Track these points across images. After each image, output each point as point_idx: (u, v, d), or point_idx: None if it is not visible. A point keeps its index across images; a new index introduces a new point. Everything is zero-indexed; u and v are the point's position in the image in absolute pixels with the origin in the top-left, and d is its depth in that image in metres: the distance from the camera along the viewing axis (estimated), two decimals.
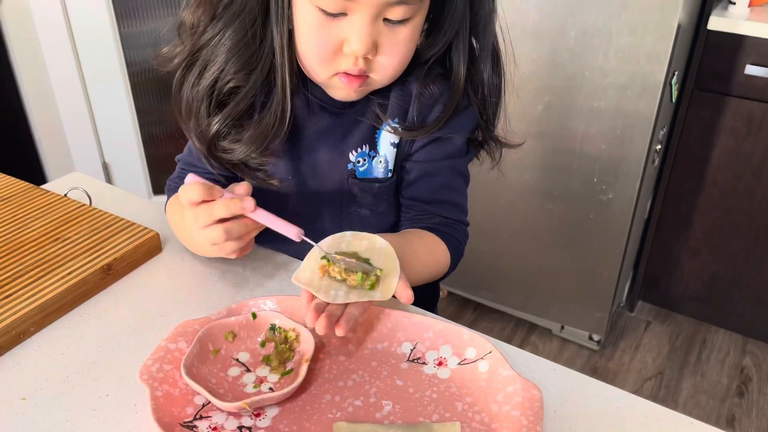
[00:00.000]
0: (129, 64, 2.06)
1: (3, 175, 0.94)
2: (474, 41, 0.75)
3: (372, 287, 0.63)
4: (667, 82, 1.54)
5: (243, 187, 0.68)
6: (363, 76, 0.70)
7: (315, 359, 0.66)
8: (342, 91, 0.73)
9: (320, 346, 0.67)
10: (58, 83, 2.03)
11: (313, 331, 0.67)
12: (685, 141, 1.80)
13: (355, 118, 0.79)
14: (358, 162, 0.80)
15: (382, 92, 0.77)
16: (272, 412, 0.60)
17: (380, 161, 0.81)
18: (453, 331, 0.67)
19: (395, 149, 0.81)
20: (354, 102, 0.77)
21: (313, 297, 0.62)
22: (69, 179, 0.99)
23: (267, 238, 0.86)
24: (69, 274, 0.73)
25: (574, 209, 1.75)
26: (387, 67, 0.70)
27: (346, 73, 0.69)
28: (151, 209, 0.92)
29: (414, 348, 0.67)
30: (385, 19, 0.66)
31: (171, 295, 0.76)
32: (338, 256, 0.64)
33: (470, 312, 2.09)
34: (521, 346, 1.95)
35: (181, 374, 0.60)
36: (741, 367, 1.90)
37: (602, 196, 1.69)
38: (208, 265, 0.81)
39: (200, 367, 0.62)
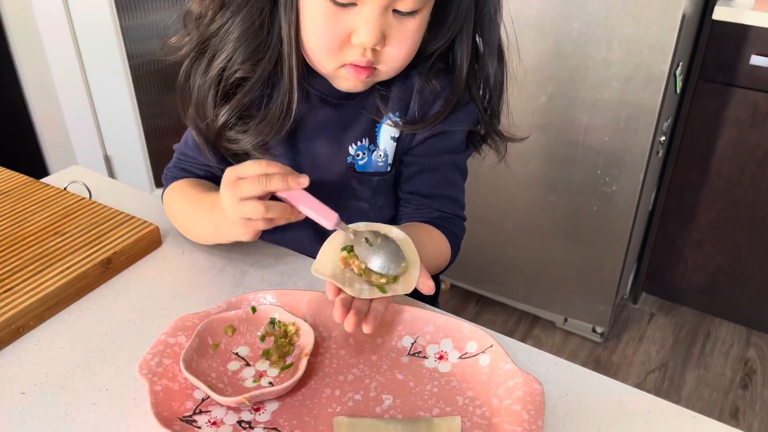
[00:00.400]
0: (130, 57, 2.05)
1: (2, 168, 0.94)
2: (478, 37, 0.75)
3: (395, 280, 0.62)
4: (672, 73, 1.52)
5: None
6: (370, 68, 0.69)
7: (315, 353, 0.65)
8: (348, 82, 0.72)
9: (320, 340, 0.67)
10: (59, 76, 2.03)
11: (313, 325, 0.67)
12: (689, 132, 1.78)
13: (355, 111, 0.78)
14: (358, 155, 0.80)
15: (384, 85, 0.77)
16: (272, 407, 0.60)
17: (380, 155, 0.80)
18: (454, 324, 0.66)
19: (395, 143, 0.80)
20: (354, 94, 0.77)
21: (339, 290, 0.61)
22: (69, 173, 0.98)
23: (266, 232, 0.86)
24: (69, 268, 0.73)
25: (578, 201, 1.74)
26: (394, 59, 0.69)
27: (353, 64, 0.69)
28: (151, 203, 0.91)
29: (414, 342, 0.67)
30: (394, 11, 0.66)
31: (171, 289, 0.75)
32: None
33: (473, 304, 2.09)
34: (524, 338, 1.94)
35: (181, 368, 0.59)
36: (745, 360, 1.89)
37: (606, 188, 1.68)
38: (208, 259, 0.81)
39: (200, 361, 0.62)
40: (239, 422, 0.58)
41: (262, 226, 0.68)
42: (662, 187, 1.88)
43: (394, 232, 0.65)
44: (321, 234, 0.85)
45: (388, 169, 0.81)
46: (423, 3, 0.66)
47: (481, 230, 1.88)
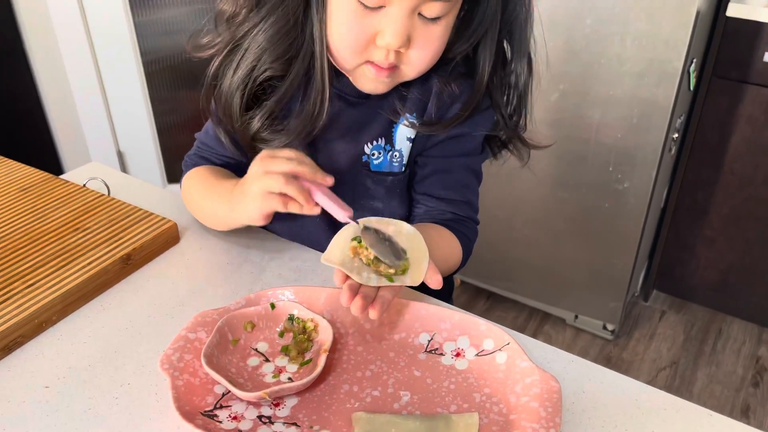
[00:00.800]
0: (143, 53, 2.06)
1: (22, 165, 0.95)
2: (506, 42, 0.75)
3: (403, 272, 0.63)
4: (685, 70, 1.52)
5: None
6: (392, 68, 0.70)
7: (333, 349, 0.66)
8: (370, 82, 0.72)
9: (338, 336, 0.68)
10: (73, 73, 2.04)
11: (331, 321, 0.67)
12: (702, 129, 1.78)
13: (373, 111, 0.79)
14: (373, 155, 0.80)
15: (403, 86, 0.77)
16: (291, 402, 0.61)
17: (395, 155, 0.81)
18: (470, 322, 0.67)
19: (411, 144, 0.81)
20: (372, 95, 0.77)
21: (347, 277, 0.62)
22: (87, 169, 0.99)
23: (282, 228, 0.87)
24: (90, 263, 0.74)
25: (589, 198, 1.73)
26: (418, 62, 0.70)
27: (376, 65, 0.69)
28: (169, 199, 0.92)
29: (431, 339, 0.67)
30: (420, 15, 0.66)
31: (189, 285, 0.76)
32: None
33: (483, 301, 2.09)
34: (534, 335, 1.95)
35: (202, 364, 0.60)
36: (756, 357, 1.89)
37: (618, 185, 1.68)
38: (226, 255, 0.81)
39: (220, 356, 0.63)
40: (259, 417, 0.59)
41: (277, 203, 0.67)
42: (674, 184, 1.88)
43: (404, 227, 0.66)
44: (337, 230, 0.86)
45: (403, 169, 0.82)
46: (449, 9, 0.67)
47: (492, 226, 1.88)
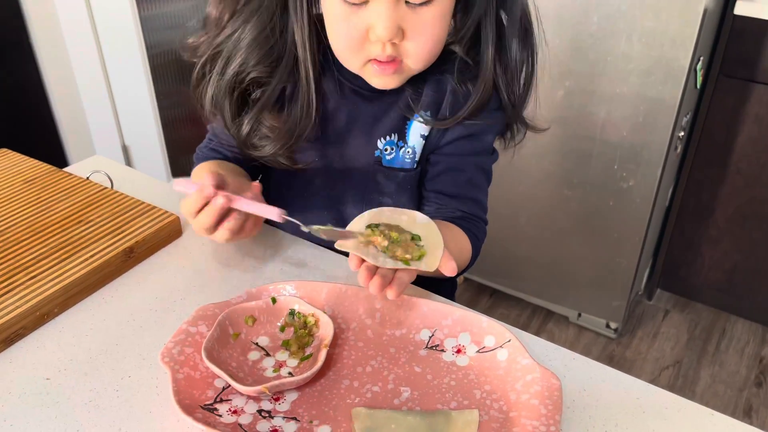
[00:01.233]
0: (149, 47, 2.06)
1: (26, 157, 0.95)
2: (503, 15, 0.74)
3: (419, 259, 0.62)
4: (692, 68, 1.51)
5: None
6: (394, 62, 0.70)
7: (333, 345, 0.66)
8: (377, 79, 0.72)
9: (339, 332, 0.68)
10: (79, 66, 2.04)
11: (332, 316, 0.67)
12: (708, 128, 1.77)
13: (387, 106, 0.79)
14: (386, 150, 0.80)
15: (417, 84, 0.77)
16: (291, 397, 0.61)
17: (408, 151, 0.81)
18: (472, 318, 0.67)
19: (424, 141, 0.81)
20: (387, 90, 0.77)
21: (362, 261, 0.61)
22: (90, 162, 1.00)
23: (290, 225, 0.87)
24: (92, 256, 0.74)
25: (594, 196, 1.73)
26: (417, 52, 0.69)
27: (377, 60, 0.69)
28: (172, 193, 0.92)
29: (432, 335, 0.67)
30: (407, 2, 0.66)
31: (191, 279, 0.76)
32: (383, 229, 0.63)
33: (486, 298, 2.09)
34: (537, 333, 1.94)
35: (202, 357, 0.60)
36: (760, 357, 1.88)
37: (623, 184, 1.67)
38: (228, 249, 0.81)
39: (220, 350, 0.63)
40: (259, 411, 0.59)
41: (222, 236, 0.66)
42: (680, 183, 1.87)
43: (418, 216, 0.66)
44: (343, 225, 0.86)
45: (415, 166, 0.82)
46: None
47: (496, 224, 1.87)
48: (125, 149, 2.21)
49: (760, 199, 1.78)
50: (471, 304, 2.04)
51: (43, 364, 0.64)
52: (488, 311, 2.01)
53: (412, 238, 0.64)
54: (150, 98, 2.13)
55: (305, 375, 0.59)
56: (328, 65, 0.77)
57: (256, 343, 0.66)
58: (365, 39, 0.68)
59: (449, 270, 0.62)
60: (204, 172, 0.66)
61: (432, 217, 0.82)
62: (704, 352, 1.90)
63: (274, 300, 0.68)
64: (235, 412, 0.59)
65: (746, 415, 1.71)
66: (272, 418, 0.59)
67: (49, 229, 0.78)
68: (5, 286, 0.69)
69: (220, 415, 0.58)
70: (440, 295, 0.74)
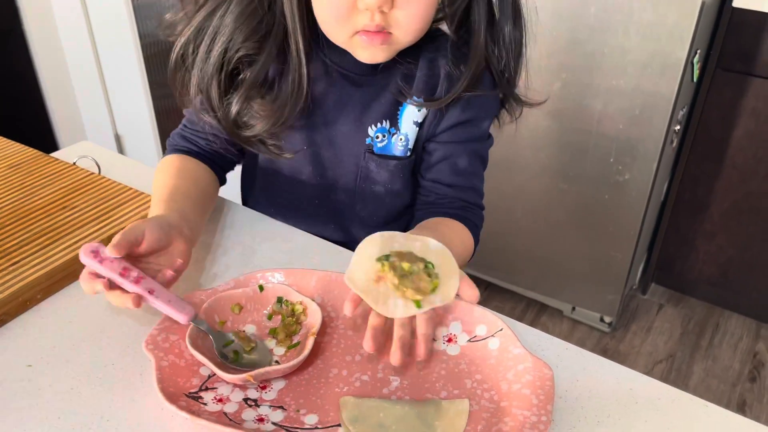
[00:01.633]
0: (142, 36, 2.04)
1: (12, 142, 0.93)
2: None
3: (433, 290, 0.57)
4: (689, 61, 1.50)
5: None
6: (383, 33, 0.67)
7: (322, 333, 0.65)
8: (365, 51, 0.69)
9: (328, 320, 0.66)
10: (71, 55, 2.02)
11: (321, 304, 0.66)
12: (705, 122, 1.76)
13: (377, 90, 0.77)
14: (377, 137, 0.78)
15: (408, 66, 0.75)
16: (278, 385, 0.60)
17: (400, 138, 0.79)
18: (463, 307, 0.65)
19: (417, 128, 0.79)
20: (377, 71, 0.75)
21: (359, 300, 0.57)
22: (78, 148, 0.98)
23: (278, 210, 0.86)
24: (77, 242, 0.73)
25: (589, 190, 1.72)
26: (407, 22, 0.67)
27: (365, 31, 0.67)
28: None
29: None
30: None
31: None
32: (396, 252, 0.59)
33: (481, 291, 2.06)
34: (531, 326, 1.93)
35: (187, 345, 0.59)
36: (754, 353, 1.88)
37: (618, 177, 1.66)
38: (216, 237, 0.80)
39: (206, 338, 0.62)
40: (245, 400, 0.58)
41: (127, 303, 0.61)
42: (675, 177, 1.86)
43: (431, 242, 0.61)
44: (338, 217, 0.85)
45: (408, 154, 0.80)
46: None
47: (491, 217, 1.85)
48: (118, 138, 2.19)
49: (756, 194, 1.77)
50: None
51: (25, 351, 0.63)
52: (482, 304, 1.99)
53: (426, 266, 0.58)
54: (143, 87, 2.10)
55: (291, 363, 0.58)
56: (317, 47, 0.75)
57: (243, 331, 0.65)
58: (353, 8, 0.65)
59: (471, 297, 0.59)
60: (139, 224, 0.63)
61: (430, 208, 0.81)
62: (698, 347, 1.90)
63: (261, 288, 0.67)
64: (220, 400, 0.58)
65: (740, 409, 1.71)
66: (258, 406, 0.57)
67: (34, 215, 0.77)
68: None
69: (205, 404, 0.57)
70: None
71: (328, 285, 0.68)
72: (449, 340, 0.64)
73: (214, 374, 0.59)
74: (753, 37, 1.60)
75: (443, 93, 0.75)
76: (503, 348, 0.62)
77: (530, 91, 0.80)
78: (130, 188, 0.83)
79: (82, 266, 0.72)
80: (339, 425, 0.56)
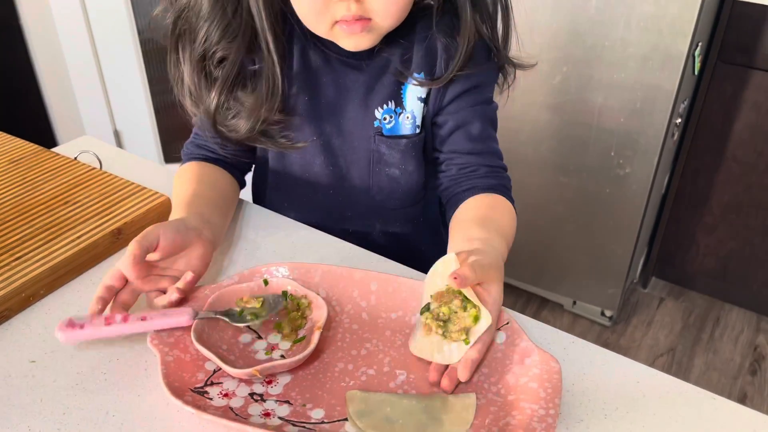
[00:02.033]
0: (140, 32, 2.03)
1: (13, 137, 0.93)
2: None
3: (475, 321, 0.58)
4: (690, 54, 1.49)
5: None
6: (362, 20, 0.67)
7: (327, 327, 0.65)
8: (348, 40, 0.70)
9: (333, 314, 0.66)
10: (69, 51, 2.01)
11: (326, 298, 0.66)
12: (706, 115, 1.75)
13: (379, 73, 0.76)
14: (385, 119, 0.78)
15: (404, 46, 0.75)
16: (284, 380, 0.59)
17: (407, 116, 0.78)
18: None
19: (423, 104, 0.78)
20: (374, 54, 0.75)
21: (437, 366, 0.60)
22: (79, 142, 0.97)
23: (292, 206, 0.85)
24: (79, 237, 0.72)
25: (590, 183, 1.72)
26: (384, 8, 0.67)
27: (344, 21, 0.67)
28: (162, 174, 0.90)
29: None
30: None
31: None
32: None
33: None
34: None
35: (192, 340, 0.59)
36: (754, 345, 1.88)
37: (619, 171, 1.66)
38: None
39: (211, 333, 0.61)
40: (251, 394, 0.58)
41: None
42: (676, 171, 1.86)
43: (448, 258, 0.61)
44: (352, 203, 0.84)
45: (417, 131, 0.79)
46: None
47: None
48: (117, 134, 2.19)
49: (757, 187, 1.77)
50: None
51: (29, 347, 0.63)
52: None
53: (463, 300, 0.59)
54: (142, 83, 2.10)
55: (297, 357, 0.58)
56: (314, 38, 0.75)
57: (248, 326, 0.64)
58: (329, 0, 0.65)
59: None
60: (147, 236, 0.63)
61: (458, 182, 0.79)
62: (698, 340, 1.90)
63: (266, 282, 0.67)
64: (226, 395, 0.57)
65: (741, 402, 1.70)
66: (264, 401, 0.57)
67: (36, 210, 0.76)
68: None
69: (211, 399, 0.57)
70: None
71: (332, 279, 0.68)
72: None
73: (220, 369, 0.59)
74: (754, 29, 1.60)
75: (443, 66, 0.75)
76: (510, 341, 0.61)
77: (522, 56, 0.80)
78: (132, 183, 0.82)
79: (86, 261, 0.72)
80: (345, 419, 0.55)
